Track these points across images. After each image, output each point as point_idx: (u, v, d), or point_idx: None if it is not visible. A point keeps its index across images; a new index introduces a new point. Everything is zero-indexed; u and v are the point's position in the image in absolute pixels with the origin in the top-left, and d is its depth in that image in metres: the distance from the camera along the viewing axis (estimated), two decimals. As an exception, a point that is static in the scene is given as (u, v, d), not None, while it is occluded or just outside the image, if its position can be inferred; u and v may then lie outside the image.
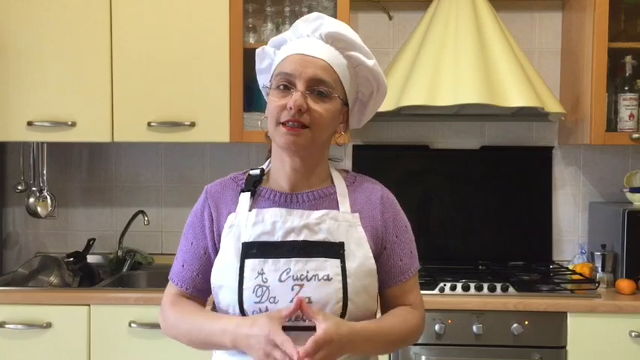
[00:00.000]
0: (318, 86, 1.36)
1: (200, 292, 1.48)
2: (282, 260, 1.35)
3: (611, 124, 2.74)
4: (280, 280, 1.34)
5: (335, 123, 1.42)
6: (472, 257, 2.94)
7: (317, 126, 1.36)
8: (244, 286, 1.34)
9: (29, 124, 2.69)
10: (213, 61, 2.67)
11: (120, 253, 2.98)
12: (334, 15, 2.67)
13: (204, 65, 2.67)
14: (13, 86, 2.70)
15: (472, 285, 2.48)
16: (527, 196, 2.99)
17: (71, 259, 2.85)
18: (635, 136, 2.66)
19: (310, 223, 1.38)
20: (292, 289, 1.33)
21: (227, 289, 1.37)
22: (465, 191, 3.00)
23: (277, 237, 1.37)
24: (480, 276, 2.65)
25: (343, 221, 1.40)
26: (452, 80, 2.55)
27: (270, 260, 1.35)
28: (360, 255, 1.38)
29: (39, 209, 2.98)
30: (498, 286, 2.48)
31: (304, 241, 1.37)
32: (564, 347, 2.41)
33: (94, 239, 2.99)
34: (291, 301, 1.32)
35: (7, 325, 2.47)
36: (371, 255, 1.40)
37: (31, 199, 2.98)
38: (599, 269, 2.66)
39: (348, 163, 3.00)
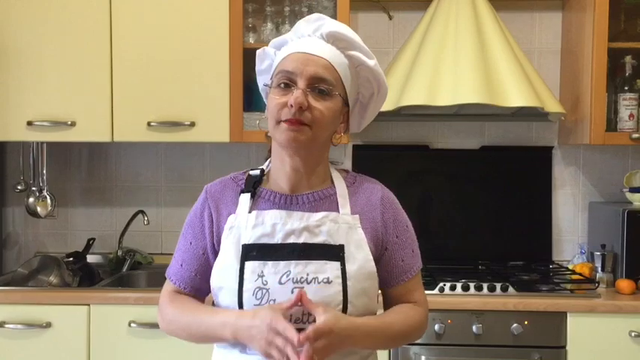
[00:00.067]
0: (319, 84, 1.36)
1: (198, 292, 1.48)
2: (282, 263, 1.35)
3: (611, 124, 2.74)
4: (280, 283, 1.34)
5: (335, 122, 1.42)
6: (472, 257, 2.94)
7: (318, 124, 1.36)
8: (244, 289, 1.34)
9: (29, 123, 2.69)
10: (213, 61, 2.67)
11: (120, 252, 2.98)
12: (334, 15, 2.67)
13: (204, 65, 2.67)
14: (13, 86, 2.70)
15: (472, 285, 2.48)
16: (527, 196, 2.99)
17: (71, 258, 2.85)
18: (635, 136, 2.66)
19: (310, 226, 1.38)
20: (292, 292, 1.33)
21: (227, 290, 1.37)
22: (465, 191, 3.01)
23: (277, 239, 1.37)
24: (480, 276, 2.65)
25: (343, 223, 1.40)
26: (452, 80, 2.55)
27: (270, 263, 1.35)
28: (360, 257, 1.38)
29: (39, 209, 2.98)
30: (498, 286, 2.48)
31: (304, 244, 1.36)
32: (564, 347, 2.41)
33: (93, 239, 2.99)
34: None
35: (6, 325, 2.47)
36: (371, 257, 1.40)
37: (31, 199, 2.98)
38: (599, 269, 2.66)
39: (348, 163, 3.00)
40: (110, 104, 2.69)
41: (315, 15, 1.44)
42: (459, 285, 2.49)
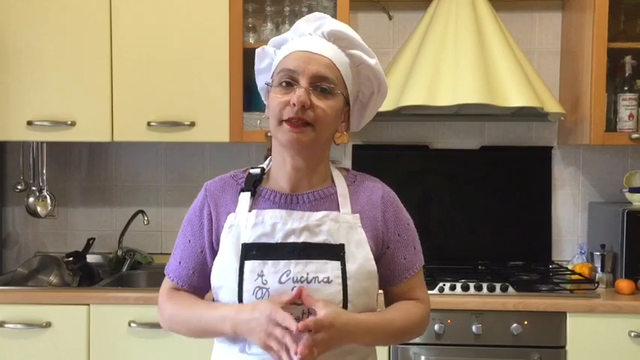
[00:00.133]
0: (322, 83, 1.36)
1: (196, 289, 1.48)
2: (282, 262, 1.35)
3: (611, 124, 2.74)
4: (280, 282, 1.33)
5: (337, 121, 1.42)
6: (472, 257, 2.94)
7: (320, 123, 1.35)
8: (244, 288, 1.34)
9: (29, 123, 2.69)
10: (213, 61, 2.67)
11: (119, 252, 2.98)
12: (334, 15, 2.67)
13: (204, 65, 2.67)
14: (13, 86, 2.70)
15: (472, 285, 2.48)
16: (526, 196, 2.99)
17: (71, 258, 2.85)
18: (635, 136, 2.66)
19: (310, 225, 1.37)
20: (292, 291, 1.32)
21: (226, 290, 1.37)
22: (465, 191, 3.01)
23: (277, 239, 1.37)
24: (480, 276, 2.66)
25: (344, 222, 1.39)
26: (452, 80, 2.55)
27: (270, 262, 1.35)
28: (361, 257, 1.38)
29: (38, 209, 2.98)
30: (498, 286, 2.48)
31: (304, 243, 1.36)
32: (564, 347, 2.41)
33: (93, 239, 2.99)
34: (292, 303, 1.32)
35: (6, 325, 2.47)
36: (371, 257, 1.40)
37: (31, 199, 2.98)
38: (599, 269, 2.66)
39: (348, 163, 3.00)
40: (110, 104, 2.69)
41: (316, 14, 1.44)
42: (458, 285, 2.49)
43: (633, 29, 2.80)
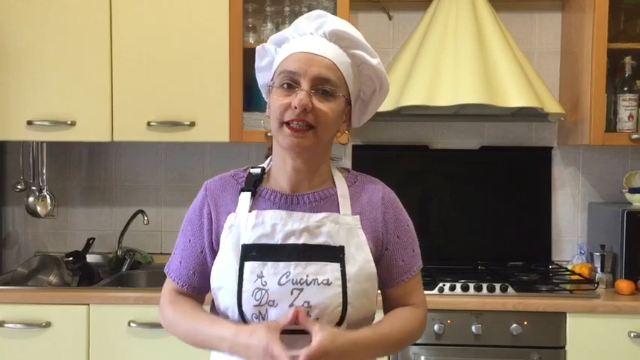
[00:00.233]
0: (323, 85, 1.35)
1: (196, 290, 1.47)
2: (282, 264, 1.34)
3: (611, 125, 2.74)
4: (280, 284, 1.33)
5: (339, 122, 1.41)
6: (471, 257, 2.94)
7: (322, 125, 1.35)
8: (243, 289, 1.34)
9: (29, 123, 2.69)
10: (213, 61, 2.67)
11: (119, 252, 2.98)
12: (334, 15, 2.66)
13: (204, 65, 2.67)
14: (13, 86, 2.70)
15: (471, 285, 2.48)
16: (526, 196, 2.99)
17: (70, 258, 2.85)
18: (635, 136, 2.66)
19: (310, 226, 1.37)
20: (292, 293, 1.32)
21: (226, 290, 1.37)
22: (465, 191, 3.01)
23: (277, 240, 1.36)
24: (479, 276, 2.65)
25: (344, 224, 1.39)
26: (451, 80, 2.55)
27: (270, 263, 1.34)
28: (360, 259, 1.37)
29: (38, 208, 2.98)
30: (497, 286, 2.48)
31: (304, 245, 1.36)
32: (563, 347, 2.41)
33: (93, 239, 2.99)
34: (291, 305, 1.31)
35: (6, 325, 2.47)
36: (371, 259, 1.39)
37: (31, 199, 2.98)
38: (599, 270, 2.66)
39: (348, 163, 3.00)
40: (110, 104, 2.69)
41: (317, 12, 1.42)
42: (458, 285, 2.49)
43: (633, 29, 2.80)
